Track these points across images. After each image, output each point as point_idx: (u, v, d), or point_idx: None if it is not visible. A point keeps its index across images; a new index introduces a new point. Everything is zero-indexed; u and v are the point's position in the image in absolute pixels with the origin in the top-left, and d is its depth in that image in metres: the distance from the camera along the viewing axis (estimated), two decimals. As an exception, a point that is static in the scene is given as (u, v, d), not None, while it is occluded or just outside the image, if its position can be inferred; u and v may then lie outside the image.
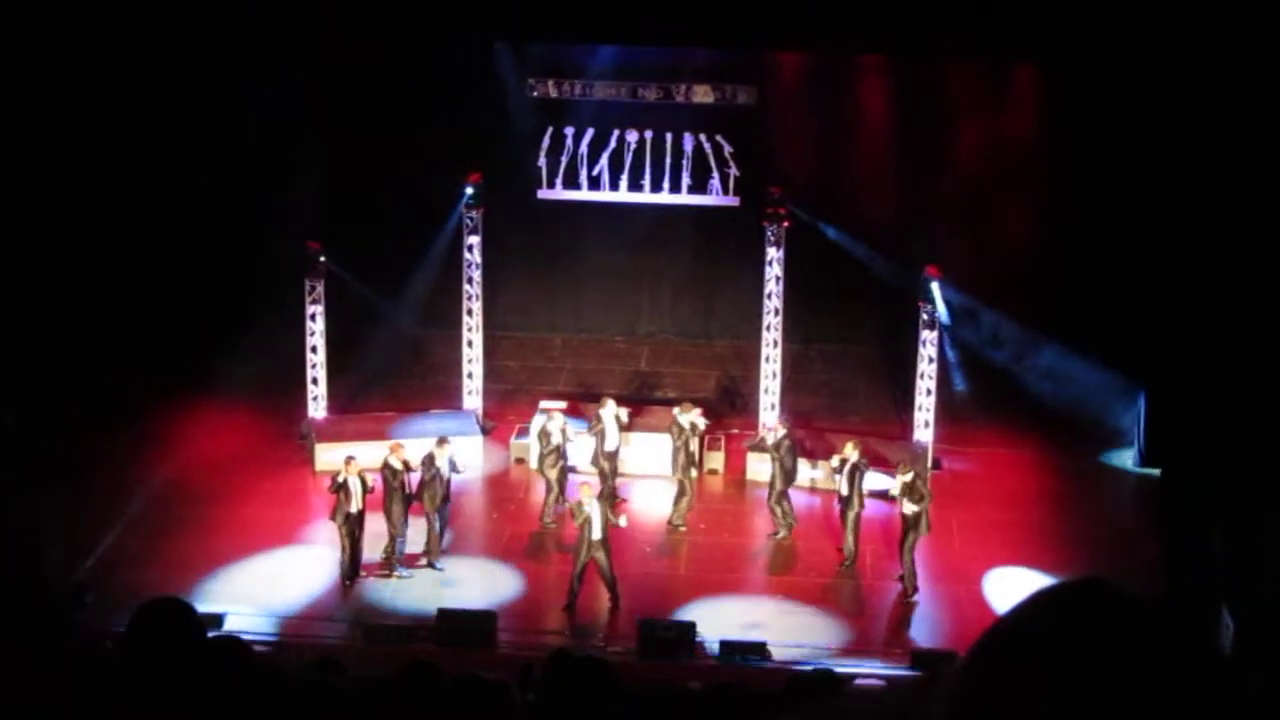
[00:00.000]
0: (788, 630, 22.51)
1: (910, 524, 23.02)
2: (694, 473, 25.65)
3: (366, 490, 23.10)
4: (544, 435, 25.38)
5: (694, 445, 25.63)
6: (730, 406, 29.05)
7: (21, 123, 27.15)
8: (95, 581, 22.37)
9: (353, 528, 23.12)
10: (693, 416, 25.51)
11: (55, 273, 27.16)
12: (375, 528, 23.46)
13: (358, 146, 28.90)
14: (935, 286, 26.27)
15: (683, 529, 25.24)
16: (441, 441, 24.10)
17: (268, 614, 22.55)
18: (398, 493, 23.35)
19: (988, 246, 29.00)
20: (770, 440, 25.32)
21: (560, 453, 25.21)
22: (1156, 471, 26.65)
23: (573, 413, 26.36)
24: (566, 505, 24.40)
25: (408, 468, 23.49)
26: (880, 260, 28.90)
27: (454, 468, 23.92)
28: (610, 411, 25.66)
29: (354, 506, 23.05)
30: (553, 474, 25.13)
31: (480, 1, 27.70)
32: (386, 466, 23.38)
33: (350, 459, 23.49)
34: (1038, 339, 28.46)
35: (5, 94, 27.22)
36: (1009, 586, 23.21)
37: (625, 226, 30.39)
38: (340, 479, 23.00)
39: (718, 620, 22.47)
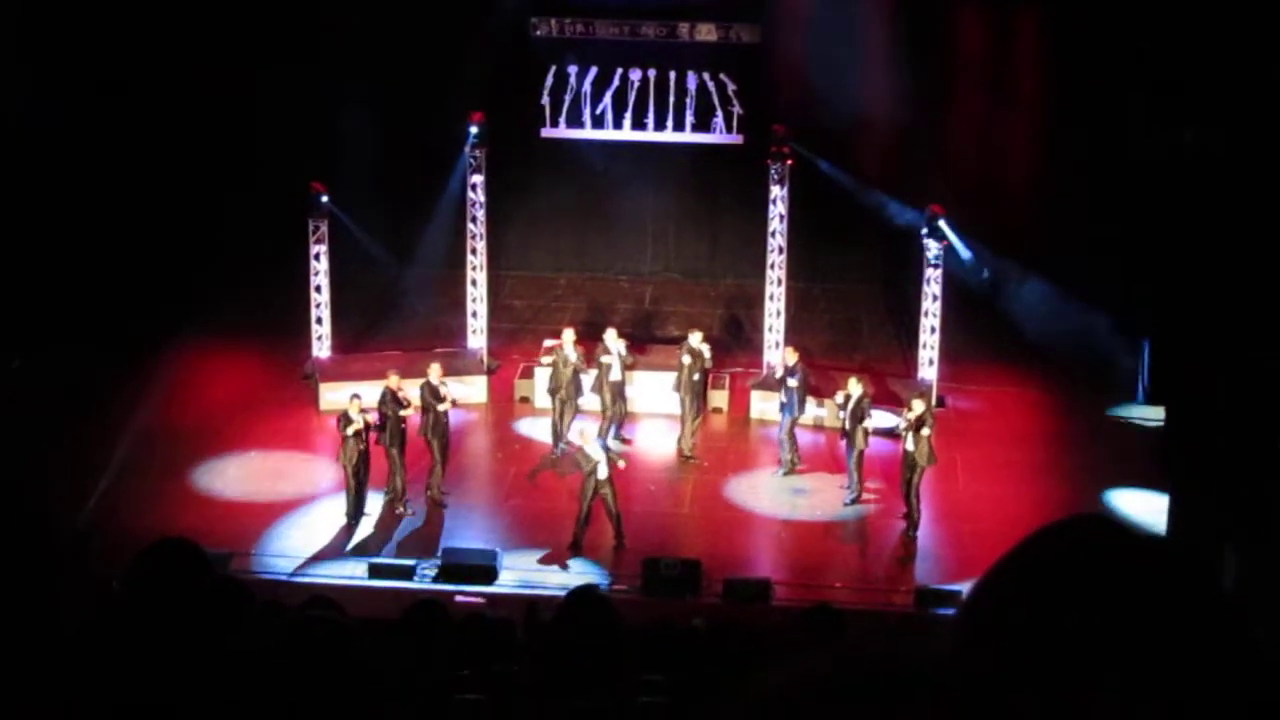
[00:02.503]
0: (791, 568, 22.58)
1: (913, 461, 23.02)
2: (697, 402, 25.67)
3: (370, 429, 23.15)
4: (562, 361, 25.37)
5: (702, 370, 25.66)
6: (734, 341, 29.03)
7: (22, 72, 27.11)
8: (100, 523, 22.43)
9: (358, 467, 23.16)
10: (700, 341, 25.53)
11: (58, 217, 27.12)
12: (378, 465, 23.49)
13: (360, 86, 28.89)
14: (943, 224, 26.21)
15: (695, 460, 25.29)
16: (429, 364, 24.31)
17: (273, 554, 22.61)
18: (397, 429, 23.40)
19: (990, 185, 28.94)
20: (790, 362, 25.22)
21: (575, 375, 25.30)
22: (1160, 411, 26.54)
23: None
24: (565, 448, 24.64)
25: (405, 402, 23.53)
26: (883, 198, 28.81)
27: (436, 394, 23.85)
28: (613, 338, 25.63)
29: (360, 446, 23.08)
30: (563, 400, 25.29)
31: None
32: (384, 401, 23.42)
33: (355, 397, 23.52)
34: (1038, 280, 28.38)
35: (8, 31, 27.19)
36: (1016, 524, 23.25)
37: (629, 165, 30.33)
38: (350, 420, 22.98)
39: (722, 558, 22.52)
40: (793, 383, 24.88)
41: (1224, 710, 2.10)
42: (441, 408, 23.84)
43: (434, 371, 24.13)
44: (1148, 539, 2.22)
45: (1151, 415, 26.18)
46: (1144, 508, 23.53)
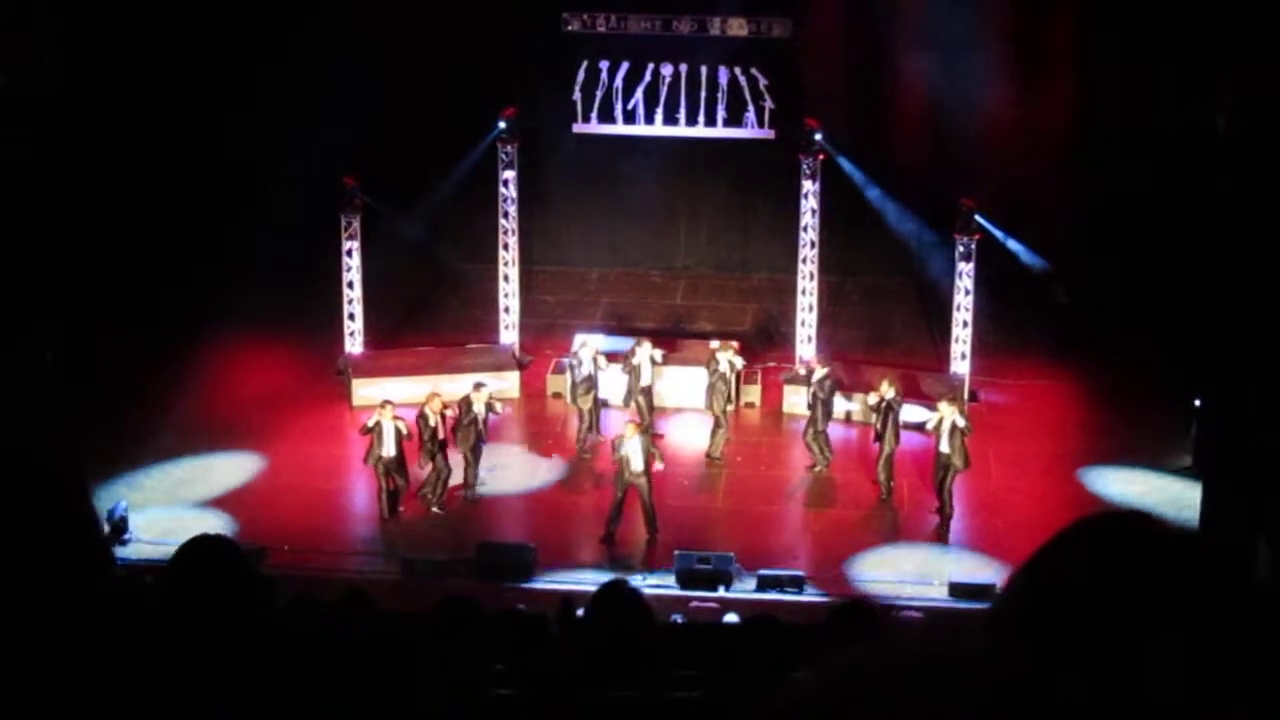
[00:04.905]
0: (825, 562, 22.54)
1: (947, 462, 22.98)
2: (730, 407, 25.74)
3: (404, 437, 23.07)
4: (576, 364, 25.46)
5: (729, 382, 25.68)
6: (768, 340, 29.02)
7: (53, 55, 27.23)
8: (133, 517, 22.53)
9: (388, 469, 23.15)
10: (731, 356, 25.55)
11: (92, 208, 27.21)
12: (413, 466, 23.51)
13: (393, 82, 28.91)
14: (977, 217, 26.15)
15: (719, 462, 25.30)
16: (478, 386, 24.18)
17: (307, 549, 22.62)
18: (431, 441, 23.35)
19: (1021, 182, 28.77)
20: (816, 377, 25.21)
21: (592, 382, 25.32)
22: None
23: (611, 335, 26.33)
24: (601, 438, 24.69)
25: (443, 420, 23.48)
26: (912, 194, 28.70)
27: (491, 409, 23.92)
28: (646, 351, 25.67)
29: (387, 451, 23.03)
30: (585, 404, 25.30)
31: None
32: (422, 417, 23.35)
33: (386, 403, 23.49)
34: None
35: (43, 15, 27.34)
36: (1048, 517, 23.18)
37: (661, 160, 30.34)
38: (373, 423, 23.01)
39: (755, 552, 22.50)
40: (825, 394, 24.84)
41: (1259, 698, 2.10)
42: (495, 414, 23.96)
43: (480, 397, 23.94)
44: (1181, 532, 2.23)
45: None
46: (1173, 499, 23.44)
